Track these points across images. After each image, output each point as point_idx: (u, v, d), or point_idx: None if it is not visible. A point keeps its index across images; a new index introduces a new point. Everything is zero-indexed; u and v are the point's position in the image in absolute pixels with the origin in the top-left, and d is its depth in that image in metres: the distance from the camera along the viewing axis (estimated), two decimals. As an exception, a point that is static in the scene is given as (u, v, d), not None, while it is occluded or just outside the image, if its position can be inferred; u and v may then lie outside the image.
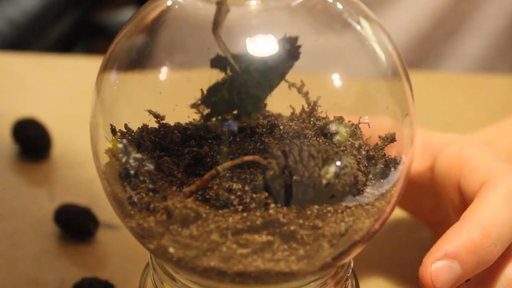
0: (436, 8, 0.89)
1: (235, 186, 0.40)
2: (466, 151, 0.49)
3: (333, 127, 0.44)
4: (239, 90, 0.40)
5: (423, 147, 0.51)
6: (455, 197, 0.49)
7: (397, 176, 0.43)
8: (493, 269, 0.46)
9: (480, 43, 0.91)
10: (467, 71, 0.92)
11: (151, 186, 0.41)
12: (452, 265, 0.44)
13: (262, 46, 0.41)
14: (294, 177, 0.39)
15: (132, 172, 0.41)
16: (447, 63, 0.93)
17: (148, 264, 0.47)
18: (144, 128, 0.44)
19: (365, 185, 0.41)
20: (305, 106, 0.44)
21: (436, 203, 0.53)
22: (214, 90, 0.41)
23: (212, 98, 0.41)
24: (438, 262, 0.44)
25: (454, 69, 0.92)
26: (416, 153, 0.48)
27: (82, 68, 0.80)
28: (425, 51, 0.92)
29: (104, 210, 0.59)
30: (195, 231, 0.40)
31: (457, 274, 0.44)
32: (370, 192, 0.42)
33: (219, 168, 0.40)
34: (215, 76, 0.41)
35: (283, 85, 0.43)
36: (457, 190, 0.49)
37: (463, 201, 0.49)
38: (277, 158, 0.39)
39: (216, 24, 0.40)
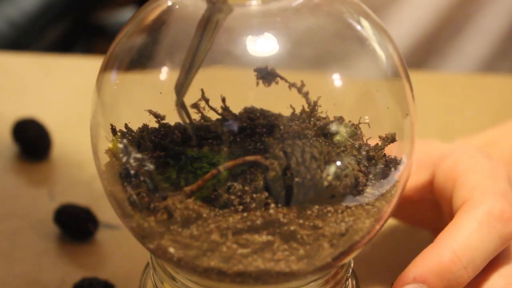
0: (440, 10, 0.89)
1: (235, 185, 0.40)
2: (461, 164, 0.49)
3: (333, 127, 0.44)
4: (186, 176, 0.40)
5: (421, 161, 0.51)
6: (451, 211, 0.49)
7: (397, 176, 0.43)
8: (477, 282, 0.46)
9: (483, 44, 0.91)
10: (471, 72, 0.92)
11: (151, 186, 0.41)
12: None
13: (262, 47, 0.41)
14: (296, 179, 0.39)
15: (132, 172, 0.41)
16: (451, 64, 0.93)
17: (148, 264, 0.47)
18: (145, 128, 0.43)
19: (365, 185, 0.41)
20: (305, 106, 0.44)
21: (439, 214, 0.53)
22: (163, 167, 0.41)
23: (159, 175, 0.41)
24: (408, 286, 0.45)
25: (458, 70, 0.92)
26: (415, 167, 0.48)
27: (82, 68, 0.80)
28: (429, 53, 0.92)
29: (104, 210, 0.59)
30: (195, 231, 0.40)
31: None
32: (371, 192, 0.42)
33: (221, 167, 0.40)
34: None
35: (283, 85, 0.43)
36: (451, 204, 0.49)
37: None
38: (279, 159, 0.39)
39: (178, 95, 0.39)
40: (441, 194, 0.50)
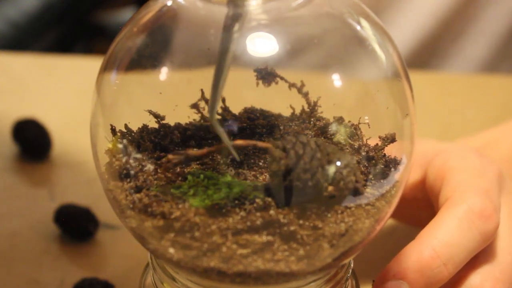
0: (442, 13, 0.89)
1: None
2: (450, 162, 0.49)
3: (333, 128, 0.44)
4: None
5: (415, 160, 0.51)
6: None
7: (397, 176, 0.43)
8: (456, 279, 0.46)
9: (484, 45, 0.91)
10: (472, 73, 0.92)
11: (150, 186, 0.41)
12: (401, 285, 0.45)
13: (262, 47, 0.41)
14: (304, 184, 0.39)
15: (132, 172, 0.41)
16: (453, 65, 0.93)
17: (148, 264, 0.47)
18: (144, 128, 0.43)
19: (365, 185, 0.41)
20: (305, 106, 0.44)
21: (432, 212, 0.53)
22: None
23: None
24: (388, 283, 0.45)
25: (459, 71, 0.93)
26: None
27: (82, 68, 0.80)
28: (431, 54, 0.92)
29: (104, 210, 0.59)
30: (195, 232, 0.40)
31: None
32: (370, 192, 0.42)
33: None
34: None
35: (283, 85, 0.42)
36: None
37: None
38: (290, 158, 0.39)
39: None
40: (432, 192, 0.50)
